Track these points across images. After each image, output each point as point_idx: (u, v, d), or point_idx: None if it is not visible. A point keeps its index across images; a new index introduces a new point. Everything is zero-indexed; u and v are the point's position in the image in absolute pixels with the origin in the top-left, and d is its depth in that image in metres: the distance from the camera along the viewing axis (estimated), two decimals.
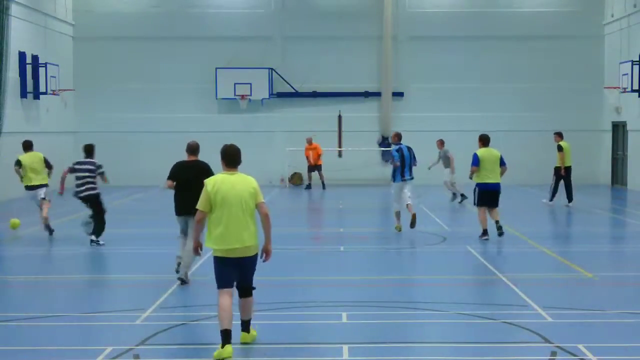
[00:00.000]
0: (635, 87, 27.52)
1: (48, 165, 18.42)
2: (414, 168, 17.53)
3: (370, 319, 9.58)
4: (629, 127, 29.74)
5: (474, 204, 16.92)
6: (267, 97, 31.92)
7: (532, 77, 32.17)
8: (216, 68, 31.76)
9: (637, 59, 27.72)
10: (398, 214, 17.66)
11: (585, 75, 32.13)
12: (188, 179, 12.16)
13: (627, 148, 30.07)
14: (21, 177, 18.00)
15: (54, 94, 28.51)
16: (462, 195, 24.71)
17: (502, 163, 16.49)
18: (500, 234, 16.10)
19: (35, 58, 27.39)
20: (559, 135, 24.12)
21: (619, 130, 30.99)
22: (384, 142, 32.52)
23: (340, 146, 32.33)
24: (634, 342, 8.53)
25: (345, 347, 8.17)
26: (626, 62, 28.20)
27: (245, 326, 8.49)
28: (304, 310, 10.27)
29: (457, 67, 32.10)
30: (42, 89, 27.53)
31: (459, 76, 32.12)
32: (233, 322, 8.14)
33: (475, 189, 16.81)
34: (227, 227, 8.19)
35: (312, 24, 32.17)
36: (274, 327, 9.41)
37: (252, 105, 32.09)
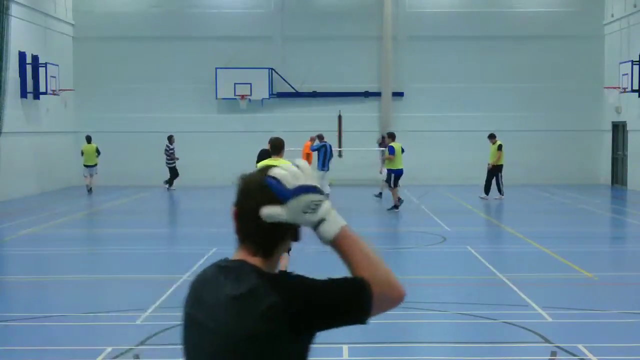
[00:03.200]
0: (635, 87, 27.51)
1: (98, 152, 28.11)
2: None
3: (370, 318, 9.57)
4: (629, 127, 29.74)
5: (391, 185, 21.64)
6: (267, 97, 31.92)
7: (532, 77, 32.16)
8: (216, 68, 31.76)
9: (637, 59, 27.71)
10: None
11: (585, 75, 32.13)
12: None
13: (627, 148, 30.07)
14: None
15: (54, 94, 28.50)
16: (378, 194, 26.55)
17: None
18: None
19: (35, 58, 27.39)
20: (494, 136, 25.64)
21: (619, 130, 30.99)
22: (384, 141, 32.51)
23: (340, 146, 32.33)
24: (634, 342, 8.54)
25: (345, 347, 8.18)
26: (626, 62, 28.19)
27: None
28: None
29: (457, 67, 32.09)
30: (42, 89, 27.53)
31: (459, 76, 32.11)
32: None
33: (391, 174, 21.71)
34: None
35: (312, 24, 32.16)
36: None
37: (252, 105, 32.08)
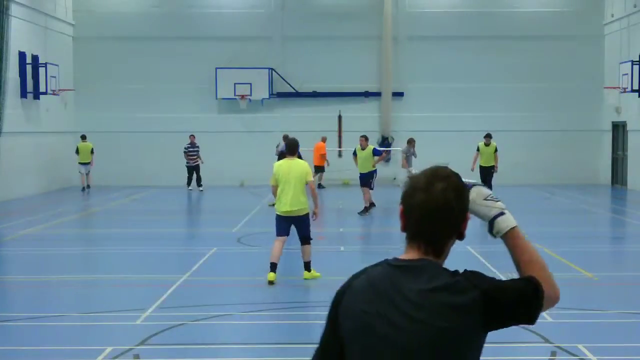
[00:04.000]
0: (635, 87, 27.51)
1: (92, 151, 28.71)
2: None
3: None
4: (629, 127, 29.73)
5: (371, 188, 21.11)
6: (267, 97, 31.91)
7: (532, 77, 32.15)
8: (216, 68, 31.75)
9: (637, 59, 27.71)
10: None
11: (585, 75, 32.12)
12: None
13: (627, 148, 30.06)
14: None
15: (54, 94, 28.49)
16: None
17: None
18: None
19: (35, 58, 27.38)
20: (491, 136, 24.07)
21: (619, 130, 30.99)
22: (384, 142, 32.52)
23: (340, 146, 32.33)
24: (634, 342, 8.54)
25: None
26: (626, 62, 28.19)
27: (307, 266, 11.88)
28: (304, 310, 10.28)
29: (457, 67, 32.09)
30: (42, 89, 27.52)
31: (459, 76, 32.11)
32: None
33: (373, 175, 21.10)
34: (286, 196, 11.63)
35: (312, 24, 32.16)
36: (274, 327, 9.41)
37: (252, 105, 32.08)
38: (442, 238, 2.60)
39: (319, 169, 29.82)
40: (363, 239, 16.73)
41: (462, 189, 2.64)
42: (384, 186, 31.47)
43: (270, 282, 11.53)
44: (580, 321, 9.52)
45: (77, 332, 9.24)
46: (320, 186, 30.64)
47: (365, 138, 21.21)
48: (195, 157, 28.49)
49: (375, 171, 21.17)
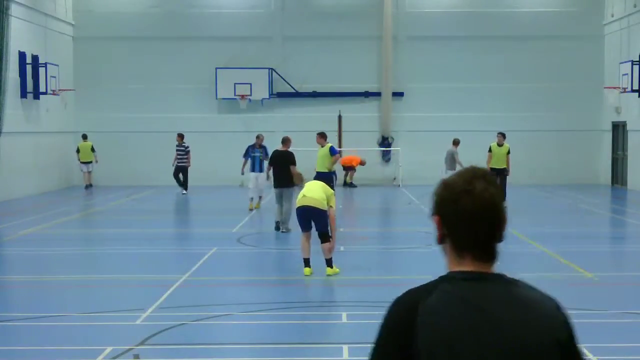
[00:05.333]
0: (635, 87, 27.51)
1: (93, 150, 29.51)
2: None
3: (370, 319, 9.57)
4: (629, 127, 29.73)
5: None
6: (267, 97, 31.91)
7: (532, 77, 32.15)
8: (216, 68, 31.75)
9: (637, 59, 27.71)
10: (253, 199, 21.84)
11: (585, 75, 32.12)
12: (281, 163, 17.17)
13: (627, 148, 30.06)
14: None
15: (54, 94, 28.49)
16: None
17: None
18: None
19: (35, 58, 27.38)
20: (505, 136, 22.78)
21: (619, 130, 30.99)
22: (384, 142, 32.54)
23: (340, 146, 32.31)
24: (634, 342, 8.53)
25: (345, 347, 8.17)
26: (626, 62, 28.19)
27: (328, 263, 12.15)
28: (304, 310, 10.27)
29: (457, 67, 32.08)
30: (42, 89, 27.52)
31: (459, 76, 32.11)
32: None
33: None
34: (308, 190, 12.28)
35: (312, 24, 32.16)
36: (274, 327, 9.41)
37: (252, 105, 32.07)
38: (494, 242, 2.44)
39: (351, 168, 30.78)
40: (363, 239, 16.72)
41: (500, 187, 2.46)
42: (384, 186, 31.48)
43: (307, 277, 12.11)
44: (580, 321, 9.49)
45: (77, 332, 9.24)
46: (352, 184, 30.95)
47: (320, 135, 18.84)
48: (182, 157, 27.34)
49: (334, 173, 18.93)
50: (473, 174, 2.43)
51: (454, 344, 2.30)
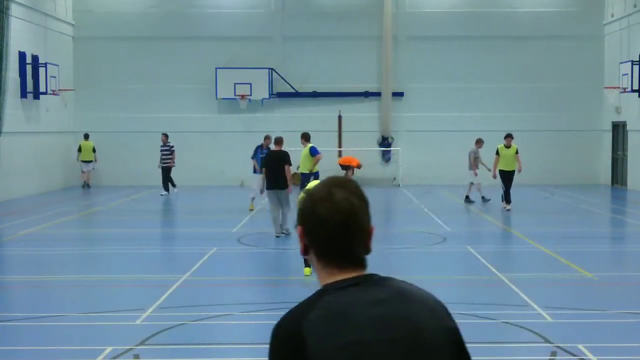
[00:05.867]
0: (635, 87, 27.51)
1: (94, 150, 29.91)
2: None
3: None
4: (629, 127, 29.73)
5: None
6: (267, 97, 31.91)
7: (532, 77, 32.15)
8: (216, 68, 31.75)
9: (637, 59, 27.71)
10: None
11: (585, 75, 32.12)
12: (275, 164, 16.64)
13: (627, 148, 30.06)
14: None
15: (54, 94, 28.50)
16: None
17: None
18: None
19: (35, 58, 27.38)
20: (512, 136, 22.35)
21: (619, 130, 30.99)
22: (384, 142, 32.54)
23: (340, 146, 32.32)
24: (634, 342, 8.54)
25: None
26: (626, 62, 28.20)
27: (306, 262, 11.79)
28: None
29: (457, 67, 32.08)
30: (42, 89, 27.52)
31: (459, 76, 32.10)
32: None
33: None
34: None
35: (312, 24, 32.15)
36: None
37: (252, 105, 32.07)
38: (360, 250, 2.38)
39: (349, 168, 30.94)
40: None
41: (364, 195, 2.40)
42: (384, 186, 31.49)
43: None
44: (580, 321, 9.52)
45: (77, 332, 9.24)
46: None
47: (302, 135, 18.74)
48: (167, 158, 26.88)
49: (317, 174, 18.24)
50: (332, 183, 2.38)
51: (353, 352, 2.23)
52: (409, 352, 2.27)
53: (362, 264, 2.39)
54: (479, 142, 24.47)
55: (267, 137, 21.50)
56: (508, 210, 21.40)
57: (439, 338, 2.34)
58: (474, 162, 23.87)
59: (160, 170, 27.15)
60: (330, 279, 2.37)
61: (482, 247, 15.09)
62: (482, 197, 23.81)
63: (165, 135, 27.22)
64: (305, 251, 2.39)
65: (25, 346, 8.57)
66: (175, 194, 26.94)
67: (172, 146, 27.04)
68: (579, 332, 8.95)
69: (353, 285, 2.32)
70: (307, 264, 12.13)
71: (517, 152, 21.73)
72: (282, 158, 16.72)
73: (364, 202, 2.39)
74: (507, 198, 21.69)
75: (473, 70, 32.10)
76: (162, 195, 26.76)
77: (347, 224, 2.33)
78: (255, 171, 21.46)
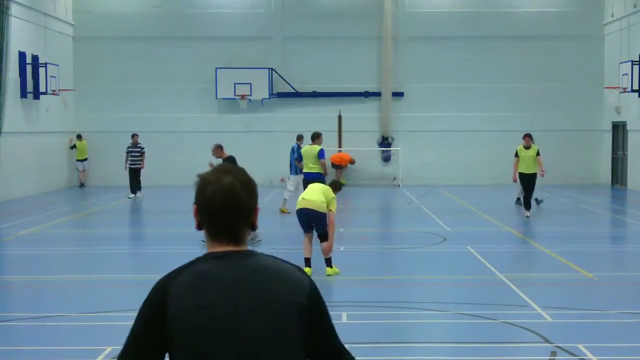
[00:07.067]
0: (635, 87, 27.51)
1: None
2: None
3: (370, 319, 9.57)
4: (629, 127, 29.73)
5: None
6: (267, 97, 31.91)
7: (532, 77, 32.15)
8: (216, 68, 31.75)
9: (637, 59, 27.71)
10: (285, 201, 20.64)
11: (585, 75, 32.13)
12: None
13: (627, 148, 30.06)
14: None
15: (54, 94, 28.50)
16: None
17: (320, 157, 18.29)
18: None
19: (35, 58, 27.38)
20: (532, 137, 20.68)
21: (619, 130, 30.99)
22: (384, 142, 32.54)
23: (340, 146, 32.33)
24: (634, 342, 8.53)
25: None
26: (626, 62, 28.20)
27: (327, 262, 12.29)
28: None
29: (457, 67, 32.08)
30: (42, 89, 27.52)
31: (459, 76, 32.11)
32: None
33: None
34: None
35: (312, 24, 32.15)
36: None
37: (252, 105, 32.08)
38: (238, 228, 2.73)
39: (339, 167, 30.99)
40: (363, 239, 16.72)
41: (250, 181, 2.75)
42: (384, 186, 31.49)
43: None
44: (580, 321, 9.52)
45: (77, 332, 9.23)
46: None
47: (307, 136, 18.63)
48: (137, 159, 26.08)
49: (322, 176, 17.74)
50: (221, 169, 2.74)
51: (204, 314, 2.59)
52: (251, 320, 2.58)
53: (239, 240, 2.74)
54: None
55: (299, 138, 20.94)
56: (527, 217, 19.89)
57: (287, 311, 2.63)
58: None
59: (127, 172, 26.13)
60: (212, 249, 2.74)
61: (482, 247, 15.08)
62: (518, 199, 22.56)
63: (137, 136, 26.44)
64: (199, 227, 2.76)
65: (25, 346, 8.57)
66: (139, 197, 25.99)
67: (143, 148, 26.30)
68: (579, 332, 8.95)
69: (222, 257, 2.69)
70: (307, 264, 12.11)
71: (538, 154, 20.01)
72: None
73: (247, 186, 2.73)
74: (526, 204, 20.13)
75: (473, 70, 32.11)
76: (129, 197, 25.87)
77: (228, 205, 2.68)
78: (295, 172, 20.52)
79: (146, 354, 2.64)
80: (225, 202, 2.68)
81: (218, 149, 16.22)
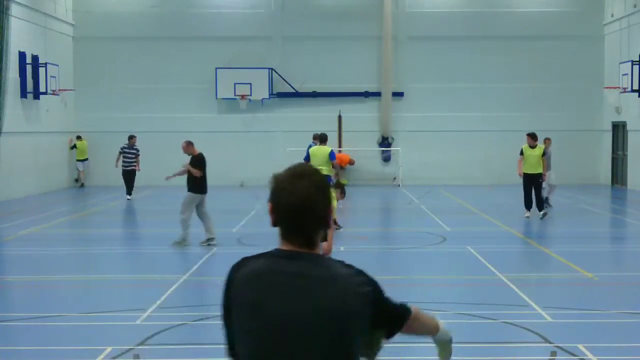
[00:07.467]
0: (635, 87, 27.51)
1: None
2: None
3: None
4: (629, 127, 29.74)
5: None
6: (267, 97, 31.92)
7: (532, 77, 32.16)
8: (216, 68, 31.76)
9: (637, 59, 27.72)
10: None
11: (585, 75, 32.13)
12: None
13: (627, 148, 30.07)
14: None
15: (54, 94, 28.51)
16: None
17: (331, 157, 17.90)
18: None
19: (35, 58, 27.38)
20: (537, 137, 19.92)
21: (619, 130, 30.99)
22: (384, 142, 32.53)
23: (340, 146, 32.32)
24: (634, 342, 8.54)
25: None
26: (626, 62, 28.20)
27: None
28: None
29: (457, 67, 32.09)
30: (42, 89, 27.53)
31: (459, 76, 32.11)
32: None
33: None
34: None
35: (312, 24, 32.16)
36: None
37: (252, 105, 32.08)
38: (311, 231, 2.81)
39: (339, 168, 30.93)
40: (363, 239, 16.71)
41: (323, 183, 2.83)
42: (384, 186, 31.49)
43: None
44: (580, 321, 9.52)
45: (77, 332, 9.23)
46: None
47: (323, 137, 18.41)
48: (132, 160, 25.58)
49: (328, 177, 16.86)
50: (297, 174, 2.81)
51: (255, 306, 2.75)
52: (297, 323, 2.69)
53: (311, 242, 2.82)
54: (547, 141, 21.81)
55: (315, 137, 20.56)
56: (527, 217, 19.68)
57: (340, 318, 2.70)
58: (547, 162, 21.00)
59: (121, 172, 25.66)
60: (282, 247, 2.84)
61: (482, 247, 15.08)
62: (546, 198, 21.82)
63: (134, 137, 25.95)
64: (274, 224, 2.85)
65: (25, 346, 8.56)
66: (129, 199, 25.61)
67: (138, 150, 25.83)
68: (579, 332, 8.95)
69: (288, 257, 2.79)
70: None
71: (544, 154, 19.53)
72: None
73: (321, 189, 2.81)
74: (527, 203, 19.80)
75: (473, 70, 32.11)
76: (128, 199, 25.54)
77: (303, 211, 2.77)
78: None
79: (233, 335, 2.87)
80: (300, 208, 2.77)
81: (189, 146, 16.01)
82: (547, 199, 21.64)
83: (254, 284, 2.77)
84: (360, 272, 2.82)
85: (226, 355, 2.93)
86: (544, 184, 20.85)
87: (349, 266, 2.83)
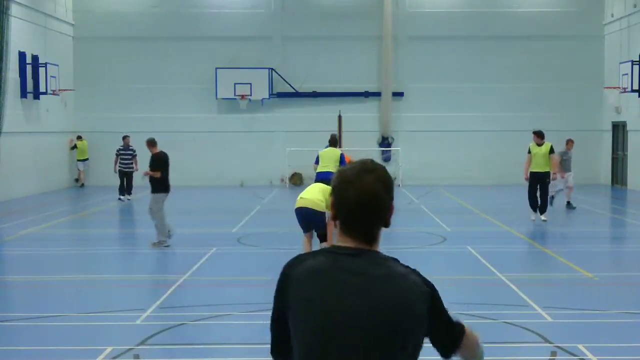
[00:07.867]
0: (635, 87, 27.51)
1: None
2: None
3: None
4: (629, 127, 29.74)
5: None
6: (267, 97, 31.91)
7: (532, 77, 32.16)
8: (216, 68, 31.75)
9: (637, 59, 27.71)
10: None
11: (585, 75, 32.13)
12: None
13: (627, 148, 30.07)
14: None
15: (54, 94, 28.51)
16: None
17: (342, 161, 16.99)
18: None
19: (35, 58, 27.38)
20: (543, 135, 19.19)
21: (619, 130, 30.99)
22: (384, 142, 32.53)
23: (340, 146, 32.26)
24: (634, 342, 8.54)
25: None
26: (626, 62, 28.20)
27: None
28: None
29: (457, 67, 32.09)
30: (42, 89, 27.53)
31: (459, 76, 32.11)
32: None
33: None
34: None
35: (312, 24, 32.16)
36: None
37: (252, 105, 32.08)
38: (373, 227, 2.78)
39: None
40: None
41: (389, 180, 2.80)
42: None
43: None
44: (580, 321, 9.52)
45: (77, 332, 9.23)
46: None
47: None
48: (129, 161, 25.38)
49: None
50: (364, 169, 2.77)
51: (313, 303, 2.70)
52: (347, 322, 2.65)
53: (371, 239, 2.79)
54: (569, 143, 21.58)
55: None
56: (533, 220, 19.08)
57: (395, 318, 2.66)
58: (561, 164, 21.10)
59: (118, 175, 25.47)
60: (340, 243, 2.79)
61: (482, 247, 15.08)
62: (568, 203, 22.05)
63: (128, 137, 25.63)
64: (335, 217, 2.81)
65: (25, 346, 8.57)
66: (127, 200, 25.40)
67: (135, 150, 25.50)
68: (579, 332, 8.95)
69: (350, 255, 2.75)
70: None
71: (552, 152, 18.80)
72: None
73: (386, 185, 2.78)
74: (533, 204, 19.09)
75: (473, 70, 32.11)
76: (128, 199, 25.33)
77: (369, 206, 2.74)
78: None
79: (284, 334, 2.82)
80: (366, 203, 2.74)
81: (150, 145, 16.04)
82: (552, 197, 21.26)
83: (315, 281, 2.72)
84: (417, 273, 2.81)
85: (270, 354, 2.91)
86: (560, 185, 20.63)
87: (406, 266, 2.80)
